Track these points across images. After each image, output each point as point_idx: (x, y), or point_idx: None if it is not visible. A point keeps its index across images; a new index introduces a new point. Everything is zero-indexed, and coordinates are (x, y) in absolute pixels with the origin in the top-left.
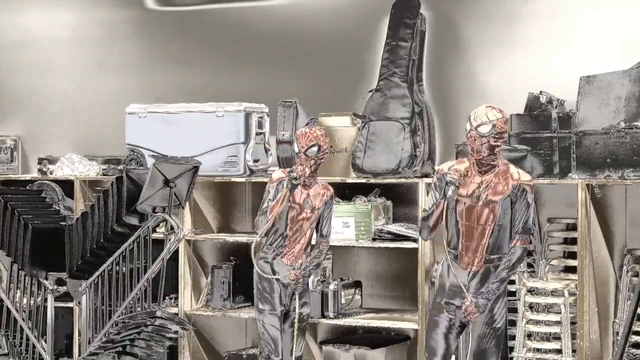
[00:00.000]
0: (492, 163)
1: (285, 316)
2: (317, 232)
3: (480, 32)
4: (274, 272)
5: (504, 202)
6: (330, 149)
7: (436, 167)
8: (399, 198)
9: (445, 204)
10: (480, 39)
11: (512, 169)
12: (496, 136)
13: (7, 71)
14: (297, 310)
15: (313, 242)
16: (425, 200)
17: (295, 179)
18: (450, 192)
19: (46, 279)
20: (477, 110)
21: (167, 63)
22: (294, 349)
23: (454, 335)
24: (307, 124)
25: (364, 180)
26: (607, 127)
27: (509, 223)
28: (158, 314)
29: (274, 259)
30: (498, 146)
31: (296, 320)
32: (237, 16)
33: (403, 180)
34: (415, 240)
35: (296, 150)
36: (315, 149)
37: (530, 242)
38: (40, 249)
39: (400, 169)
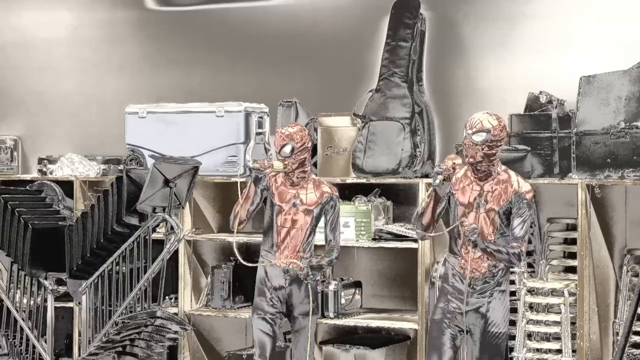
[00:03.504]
0: (489, 170)
1: (290, 318)
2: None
3: (480, 32)
4: (267, 276)
5: (504, 211)
6: (329, 149)
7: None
8: (399, 198)
9: (434, 197)
10: (480, 39)
11: (513, 177)
12: (491, 144)
13: (7, 71)
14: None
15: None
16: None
17: (258, 169)
18: (437, 181)
19: (46, 279)
20: (475, 117)
21: (167, 63)
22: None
23: (458, 342)
24: (307, 124)
25: (364, 180)
26: (607, 127)
27: (508, 231)
28: (158, 314)
29: (266, 263)
30: (494, 154)
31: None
32: (237, 16)
33: (403, 180)
34: (415, 240)
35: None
36: (287, 148)
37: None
38: (40, 249)
39: (400, 169)
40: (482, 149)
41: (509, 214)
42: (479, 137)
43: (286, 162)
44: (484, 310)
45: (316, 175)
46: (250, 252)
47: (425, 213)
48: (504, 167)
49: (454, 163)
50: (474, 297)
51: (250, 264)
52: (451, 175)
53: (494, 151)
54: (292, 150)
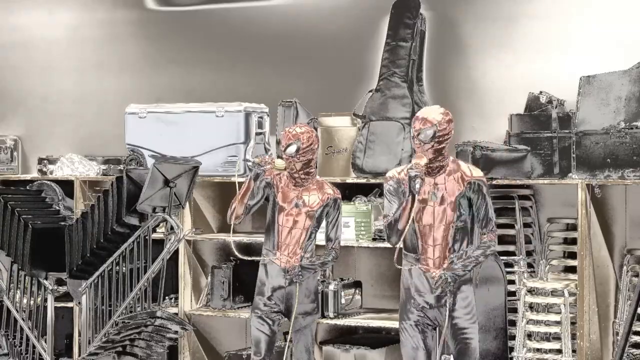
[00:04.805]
0: (441, 164)
1: (289, 318)
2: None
3: (480, 33)
4: (267, 275)
5: (461, 200)
6: (329, 149)
7: (387, 175)
8: None
9: (413, 201)
10: (480, 39)
11: (463, 166)
12: (439, 140)
13: (7, 71)
14: (292, 319)
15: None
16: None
17: (258, 165)
18: (417, 186)
19: (46, 279)
20: (418, 115)
21: (167, 63)
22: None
23: (429, 338)
24: (307, 123)
25: (364, 180)
26: (607, 127)
27: (469, 222)
28: (158, 314)
29: (267, 262)
30: (443, 148)
31: (290, 329)
32: (237, 16)
33: None
34: None
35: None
36: (292, 148)
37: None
38: (40, 249)
39: None
40: (432, 146)
41: (468, 203)
42: (426, 137)
43: (290, 162)
44: (449, 307)
45: None
46: (251, 252)
47: (402, 218)
48: (451, 157)
49: (426, 163)
50: (438, 295)
51: (248, 258)
52: (424, 175)
53: (442, 145)
54: (297, 150)
